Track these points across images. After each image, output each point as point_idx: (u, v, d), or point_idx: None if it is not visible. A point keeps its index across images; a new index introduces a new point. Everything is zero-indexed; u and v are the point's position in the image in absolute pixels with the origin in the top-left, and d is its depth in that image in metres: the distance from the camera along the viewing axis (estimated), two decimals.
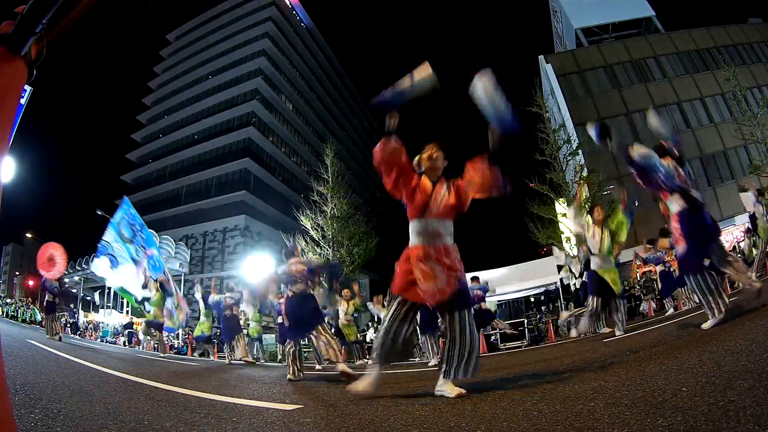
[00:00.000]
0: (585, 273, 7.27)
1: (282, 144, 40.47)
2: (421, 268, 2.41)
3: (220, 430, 1.88)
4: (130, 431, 1.79)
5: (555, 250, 13.63)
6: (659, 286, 8.70)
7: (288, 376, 4.36)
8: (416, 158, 2.64)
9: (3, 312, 18.20)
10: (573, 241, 15.11)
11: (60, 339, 8.40)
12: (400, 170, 2.52)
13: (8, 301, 21.65)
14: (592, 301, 5.29)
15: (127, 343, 15.72)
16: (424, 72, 2.33)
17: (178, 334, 19.56)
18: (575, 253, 7.91)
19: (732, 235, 15.53)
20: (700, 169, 20.37)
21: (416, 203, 2.53)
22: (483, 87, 2.38)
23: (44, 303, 9.01)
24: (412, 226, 2.56)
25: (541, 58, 25.26)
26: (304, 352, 11.89)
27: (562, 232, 16.09)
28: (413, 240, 2.54)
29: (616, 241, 5.36)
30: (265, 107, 37.95)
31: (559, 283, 13.20)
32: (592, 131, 3.75)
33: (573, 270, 9.33)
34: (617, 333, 5.33)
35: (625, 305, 5.60)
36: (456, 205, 2.56)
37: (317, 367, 6.86)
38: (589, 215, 5.72)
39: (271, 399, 2.84)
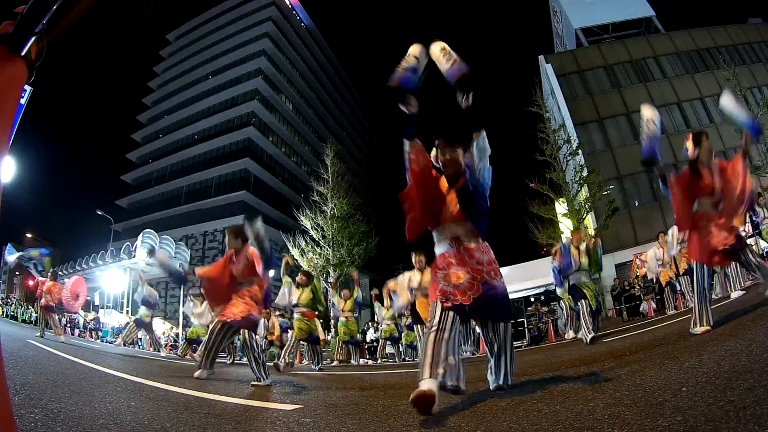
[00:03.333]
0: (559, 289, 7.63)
1: (282, 144, 40.49)
2: (444, 274, 2.26)
3: (220, 430, 1.88)
4: (130, 431, 1.79)
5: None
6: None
7: None
8: (432, 153, 2.44)
9: (3, 312, 18.20)
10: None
11: (43, 336, 8.54)
12: (427, 178, 2.31)
13: (8, 301, 21.64)
14: (582, 306, 5.55)
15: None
16: (414, 49, 2.19)
17: (177, 334, 19.60)
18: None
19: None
20: None
21: (432, 212, 2.35)
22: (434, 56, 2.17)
23: (43, 305, 9.11)
24: (434, 236, 2.42)
25: (541, 58, 25.27)
26: (324, 350, 11.87)
27: (562, 232, 16.10)
28: (436, 250, 2.40)
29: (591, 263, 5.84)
30: (265, 107, 37.98)
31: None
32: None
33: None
34: (586, 339, 5.23)
35: (594, 315, 5.73)
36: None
37: (314, 368, 6.82)
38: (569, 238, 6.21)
39: (271, 399, 2.84)
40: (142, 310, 8.91)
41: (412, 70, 2.15)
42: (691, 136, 3.45)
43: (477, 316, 2.28)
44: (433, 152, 2.42)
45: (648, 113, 3.38)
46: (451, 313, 2.16)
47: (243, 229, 4.19)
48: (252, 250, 4.03)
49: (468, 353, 8.42)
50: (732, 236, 3.19)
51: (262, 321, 8.55)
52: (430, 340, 2.08)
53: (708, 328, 3.17)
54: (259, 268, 3.96)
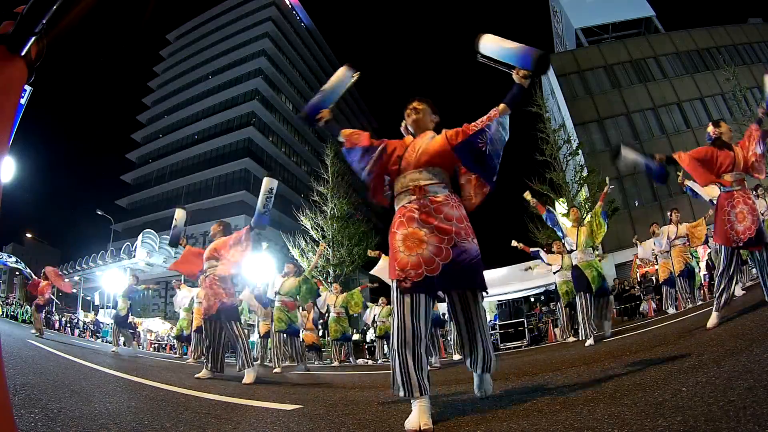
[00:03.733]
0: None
1: (282, 144, 40.47)
2: (402, 234, 1.87)
3: (220, 430, 1.88)
4: (131, 431, 1.79)
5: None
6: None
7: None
8: (403, 123, 2.27)
9: (3, 312, 18.19)
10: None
11: (42, 336, 8.87)
12: (368, 151, 2.09)
13: (9, 301, 21.64)
14: (581, 301, 5.20)
15: (127, 343, 15.71)
16: (339, 73, 2.34)
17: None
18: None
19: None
20: None
21: (392, 160, 2.06)
22: (489, 44, 2.12)
23: (35, 303, 9.54)
24: (395, 187, 2.07)
25: None
26: (324, 350, 11.86)
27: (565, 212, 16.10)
28: (395, 205, 2.03)
29: (595, 235, 5.43)
30: (265, 107, 37.97)
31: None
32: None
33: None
34: (588, 342, 4.94)
35: (605, 304, 5.40)
36: (443, 147, 1.99)
37: (300, 368, 6.74)
38: (565, 216, 5.87)
39: (271, 399, 2.84)
40: (121, 304, 8.77)
41: (323, 97, 2.25)
42: (711, 123, 3.68)
43: (445, 287, 1.89)
44: (403, 124, 2.28)
45: (622, 165, 3.51)
46: (423, 299, 1.79)
47: (228, 224, 4.55)
48: (227, 238, 4.25)
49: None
50: (754, 227, 3.24)
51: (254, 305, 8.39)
52: (410, 344, 1.73)
53: (716, 321, 3.28)
54: (230, 250, 4.12)
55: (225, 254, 4.11)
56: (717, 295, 3.41)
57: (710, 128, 3.65)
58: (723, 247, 3.46)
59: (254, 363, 3.96)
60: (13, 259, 10.50)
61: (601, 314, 5.42)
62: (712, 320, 3.32)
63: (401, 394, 1.74)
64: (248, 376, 3.81)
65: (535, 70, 1.92)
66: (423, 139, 2.08)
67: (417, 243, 1.84)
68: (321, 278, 16.08)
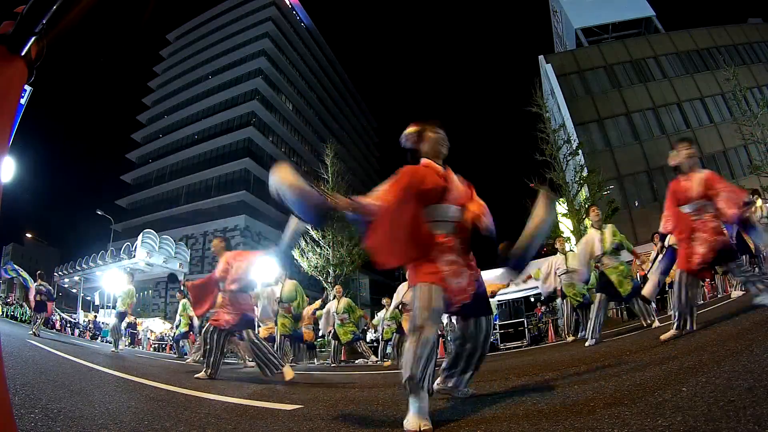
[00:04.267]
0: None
1: (282, 144, 40.49)
2: (448, 259, 2.01)
3: (220, 430, 1.88)
4: (131, 431, 1.79)
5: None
6: None
7: None
8: (414, 131, 2.19)
9: (3, 312, 18.19)
10: (572, 241, 15.10)
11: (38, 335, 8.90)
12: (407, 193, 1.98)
13: (9, 301, 21.64)
14: (597, 301, 5.08)
15: (128, 343, 15.72)
16: (293, 223, 2.47)
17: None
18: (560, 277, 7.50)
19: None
20: None
21: (434, 185, 2.06)
22: (545, 206, 2.10)
23: (35, 303, 9.58)
24: (429, 212, 2.05)
25: (541, 58, 25.27)
26: (322, 350, 11.88)
27: (562, 232, 16.10)
28: (433, 230, 2.05)
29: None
30: (265, 107, 37.99)
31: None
32: None
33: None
34: (588, 342, 4.88)
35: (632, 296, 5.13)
36: (468, 202, 2.16)
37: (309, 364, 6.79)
38: (586, 218, 5.70)
39: (271, 399, 2.84)
40: (120, 303, 8.76)
41: (299, 200, 1.91)
42: (674, 146, 3.50)
43: (472, 314, 2.10)
44: (413, 131, 2.18)
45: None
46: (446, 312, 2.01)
47: (228, 239, 4.65)
48: (231, 253, 4.36)
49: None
50: (711, 252, 3.17)
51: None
52: (431, 343, 1.83)
53: (674, 332, 3.30)
54: (235, 266, 4.20)
55: (230, 269, 4.27)
56: (679, 316, 3.34)
57: (670, 156, 3.45)
58: (680, 271, 3.37)
59: (282, 365, 4.07)
60: (17, 269, 10.65)
61: (645, 313, 5.25)
62: (669, 333, 3.31)
63: (408, 388, 1.79)
64: (287, 373, 3.95)
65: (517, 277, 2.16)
66: (454, 179, 2.18)
67: (458, 272, 2.02)
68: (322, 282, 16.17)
